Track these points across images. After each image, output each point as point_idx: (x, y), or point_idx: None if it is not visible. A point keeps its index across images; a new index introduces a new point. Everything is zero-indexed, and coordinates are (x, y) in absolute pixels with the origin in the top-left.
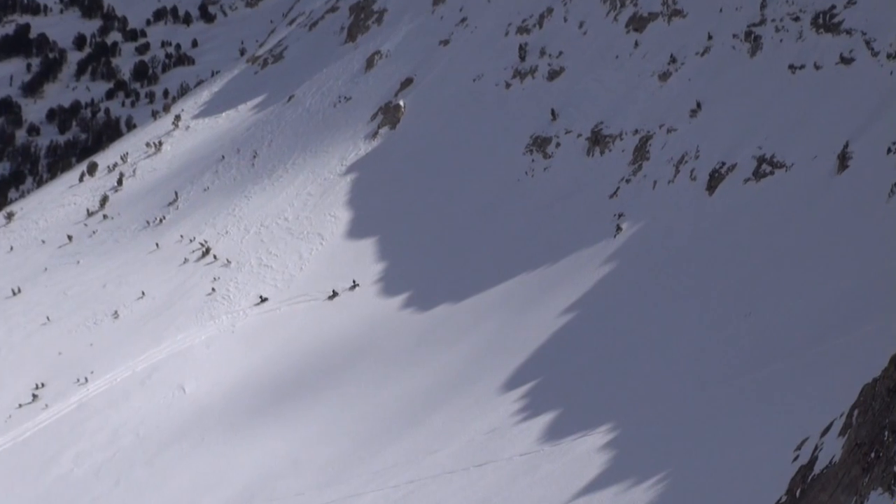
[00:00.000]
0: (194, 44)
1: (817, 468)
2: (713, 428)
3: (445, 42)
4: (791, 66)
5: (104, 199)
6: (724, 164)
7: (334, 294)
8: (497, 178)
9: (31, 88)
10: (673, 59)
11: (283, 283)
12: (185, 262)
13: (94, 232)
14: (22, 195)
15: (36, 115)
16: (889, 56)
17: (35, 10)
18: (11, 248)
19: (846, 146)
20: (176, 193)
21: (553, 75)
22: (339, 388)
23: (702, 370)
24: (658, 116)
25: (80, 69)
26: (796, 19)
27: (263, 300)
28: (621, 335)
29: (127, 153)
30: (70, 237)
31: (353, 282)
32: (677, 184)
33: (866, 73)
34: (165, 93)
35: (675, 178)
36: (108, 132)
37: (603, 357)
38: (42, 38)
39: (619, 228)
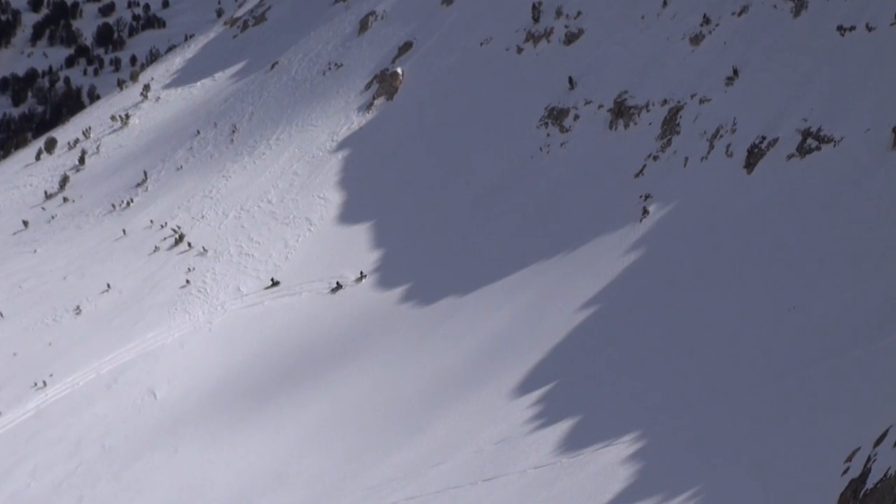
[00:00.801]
0: (165, 4)
1: (870, 482)
2: (752, 437)
3: (449, 1)
4: (840, 28)
5: (64, 180)
6: (764, 138)
7: (338, 286)
8: (508, 155)
9: None
10: (706, 20)
11: (266, 273)
12: (155, 251)
13: (52, 217)
14: None
15: None
16: None
17: None
18: None
19: None
20: (145, 173)
21: (571, 39)
22: (330, 392)
23: (739, 372)
24: (689, 85)
25: (37, 33)
26: None
27: (275, 283)
28: (648, 332)
29: (90, 128)
30: (26, 223)
31: (361, 273)
32: (711, 161)
33: None
34: (133, 59)
35: (708, 155)
36: (69, 104)
37: (627, 357)
38: None
39: (645, 212)
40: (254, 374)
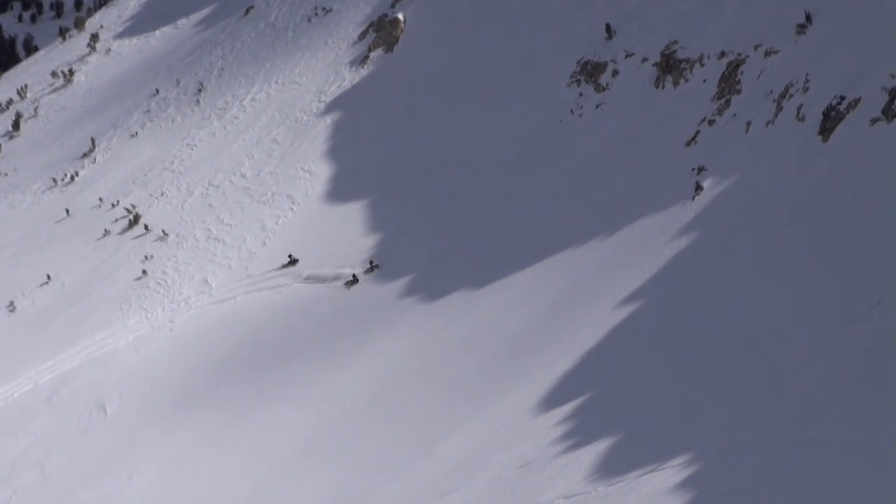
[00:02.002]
0: None
1: None
2: (826, 460)
3: None
4: None
5: None
6: (842, 98)
7: (354, 280)
8: (532, 120)
9: None
10: None
11: (239, 262)
12: (105, 235)
13: None
14: None
15: None
16: None
17: None
18: None
19: None
20: (93, 141)
21: None
22: (318, 406)
23: (809, 384)
24: (752, 34)
25: None
26: None
27: (293, 261)
28: (700, 335)
29: (26, 86)
30: None
31: (371, 263)
32: (779, 126)
33: None
34: (78, 4)
35: (775, 119)
36: (1, 58)
37: (675, 365)
38: None
39: (698, 188)
40: (225, 384)
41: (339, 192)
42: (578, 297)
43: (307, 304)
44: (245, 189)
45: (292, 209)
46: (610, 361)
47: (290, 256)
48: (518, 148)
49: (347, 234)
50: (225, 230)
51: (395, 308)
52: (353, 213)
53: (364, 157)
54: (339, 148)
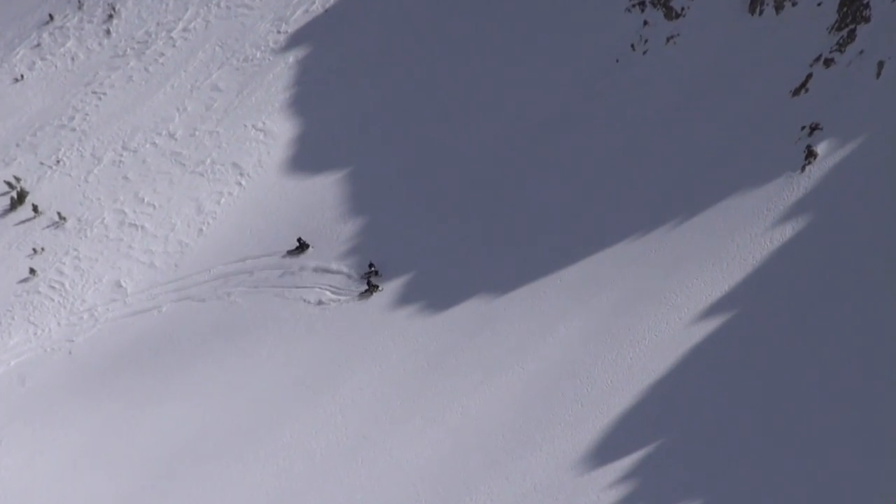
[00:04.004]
0: None
1: None
2: None
3: None
4: None
5: None
6: None
7: (371, 287)
8: (572, 63)
9: None
10: None
11: (165, 256)
12: None
13: None
14: None
15: None
16: None
17: None
18: None
19: None
20: None
21: None
22: (276, 458)
23: None
24: None
25: None
26: None
27: (301, 247)
28: (807, 363)
29: None
30: None
31: (371, 266)
32: None
33: None
34: None
35: None
36: None
37: (773, 402)
38: None
39: (809, 154)
40: (144, 434)
41: (305, 159)
42: (640, 310)
43: (257, 315)
44: (174, 155)
45: (240, 184)
46: (683, 399)
47: (299, 241)
48: (550, 104)
49: (317, 217)
50: (146, 213)
51: (382, 321)
52: (325, 191)
53: (342, 111)
54: (307, 98)
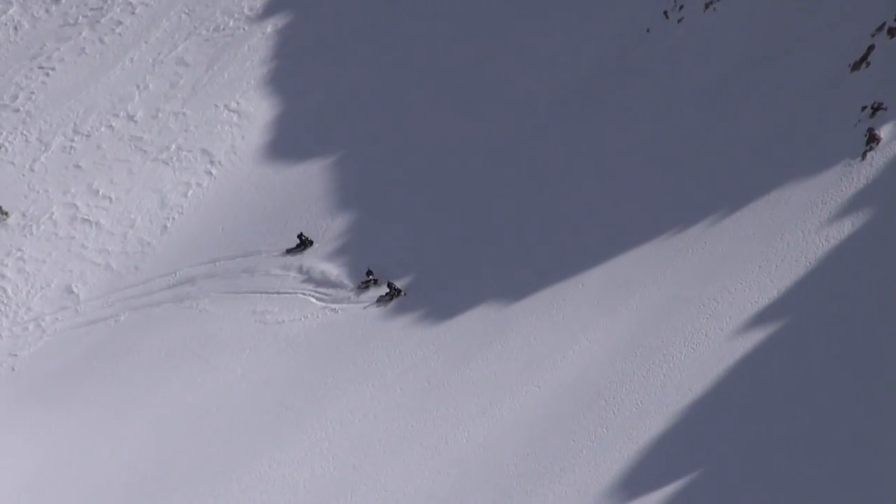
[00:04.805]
0: None
1: None
2: None
3: None
4: None
5: None
6: None
7: (393, 292)
8: (603, 30)
9: None
10: None
11: (124, 259)
12: None
13: None
14: None
15: None
16: None
17: None
18: None
19: None
20: None
21: None
22: (253, 492)
23: None
24: None
25: None
26: None
27: (304, 243)
28: (868, 386)
29: None
30: None
31: (368, 273)
32: None
33: None
34: None
35: None
36: None
37: (827, 431)
38: None
39: (871, 138)
40: (98, 466)
41: (286, 145)
42: (674, 320)
43: (237, 327)
44: (134, 140)
45: (210, 173)
46: (724, 428)
47: (300, 237)
48: (573, 80)
49: (300, 212)
50: (101, 207)
51: (374, 329)
52: (311, 180)
53: (328, 90)
54: (287, 74)
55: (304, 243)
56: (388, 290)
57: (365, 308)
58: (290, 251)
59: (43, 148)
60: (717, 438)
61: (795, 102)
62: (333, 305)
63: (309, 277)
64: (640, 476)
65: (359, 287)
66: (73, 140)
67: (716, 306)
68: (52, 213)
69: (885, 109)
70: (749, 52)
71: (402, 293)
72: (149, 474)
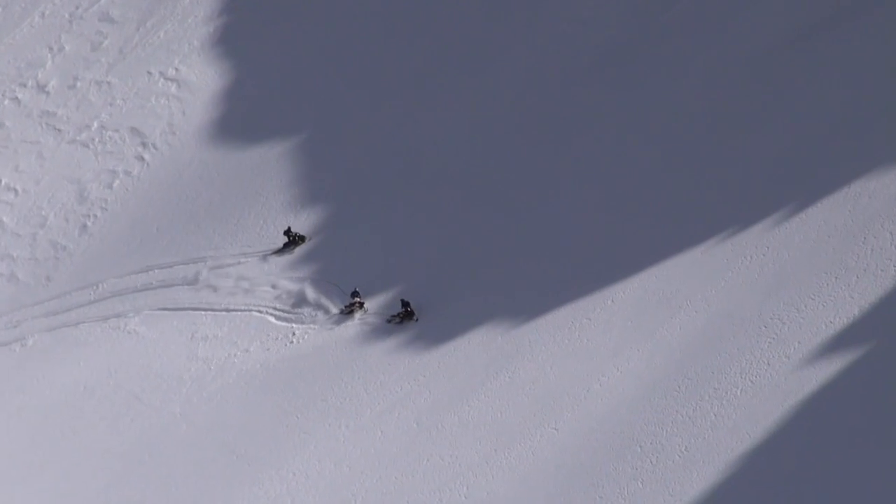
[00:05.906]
0: None
1: None
2: None
3: None
4: None
5: None
6: None
7: (407, 312)
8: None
9: None
10: None
11: (33, 268)
12: None
13: None
14: None
15: None
16: None
17: None
18: None
19: None
20: None
21: None
22: None
23: None
24: None
25: None
26: None
27: (294, 240)
28: None
29: None
30: None
31: (354, 294)
32: None
33: None
34: None
35: None
36: None
37: None
38: None
39: None
40: None
41: (237, 122)
42: (728, 345)
43: (173, 352)
44: (45, 116)
45: (142, 158)
46: (790, 480)
47: (288, 233)
48: (596, 46)
49: (256, 207)
50: (4, 201)
51: (361, 356)
52: (269, 166)
53: (292, 53)
54: (239, 33)
55: (294, 240)
56: (400, 311)
57: (332, 329)
58: (278, 252)
59: None
60: (781, 496)
61: (877, 74)
62: (298, 326)
63: (267, 289)
64: None
65: (341, 312)
66: None
67: (780, 328)
68: None
69: None
70: (817, 8)
71: (415, 318)
72: None
